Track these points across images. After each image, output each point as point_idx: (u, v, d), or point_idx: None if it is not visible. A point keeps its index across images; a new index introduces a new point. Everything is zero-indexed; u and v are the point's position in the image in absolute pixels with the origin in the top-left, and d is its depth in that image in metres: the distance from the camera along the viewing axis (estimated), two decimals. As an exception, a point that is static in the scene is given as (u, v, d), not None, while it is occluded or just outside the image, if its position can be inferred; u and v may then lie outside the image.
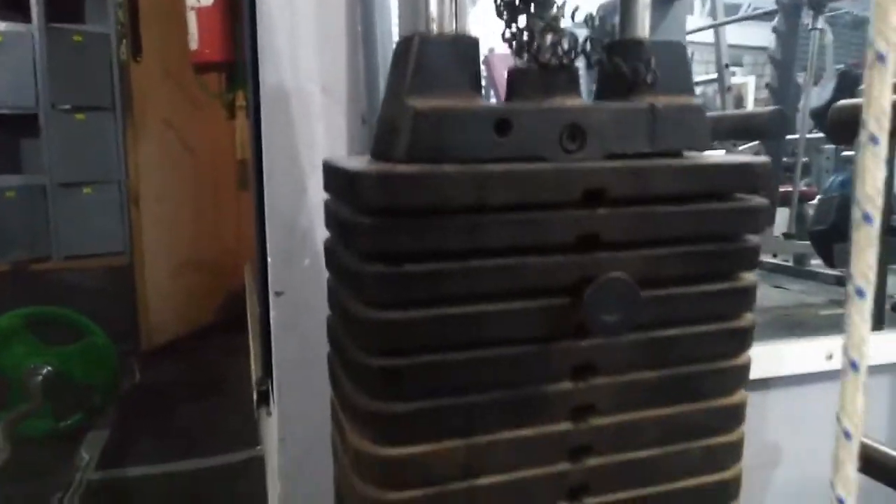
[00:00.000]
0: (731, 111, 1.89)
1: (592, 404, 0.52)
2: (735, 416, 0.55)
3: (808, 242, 3.01)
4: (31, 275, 5.37)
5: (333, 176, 0.52)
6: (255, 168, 1.03)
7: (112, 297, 4.41)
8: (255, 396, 1.12)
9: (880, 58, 0.33)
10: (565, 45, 0.52)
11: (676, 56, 0.55)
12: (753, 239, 0.52)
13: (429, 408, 0.48)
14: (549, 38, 0.53)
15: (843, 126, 1.11)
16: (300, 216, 1.01)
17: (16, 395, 1.98)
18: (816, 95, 2.14)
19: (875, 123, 0.33)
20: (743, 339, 0.54)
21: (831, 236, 1.91)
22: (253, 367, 1.24)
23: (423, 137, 0.47)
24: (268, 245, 1.01)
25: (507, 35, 0.54)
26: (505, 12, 0.52)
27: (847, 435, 0.39)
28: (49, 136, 5.26)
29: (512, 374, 0.50)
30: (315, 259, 1.02)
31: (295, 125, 0.99)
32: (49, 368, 2.00)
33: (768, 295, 2.80)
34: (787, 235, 3.26)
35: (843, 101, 1.05)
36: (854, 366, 0.38)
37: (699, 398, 0.53)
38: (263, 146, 0.98)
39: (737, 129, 1.95)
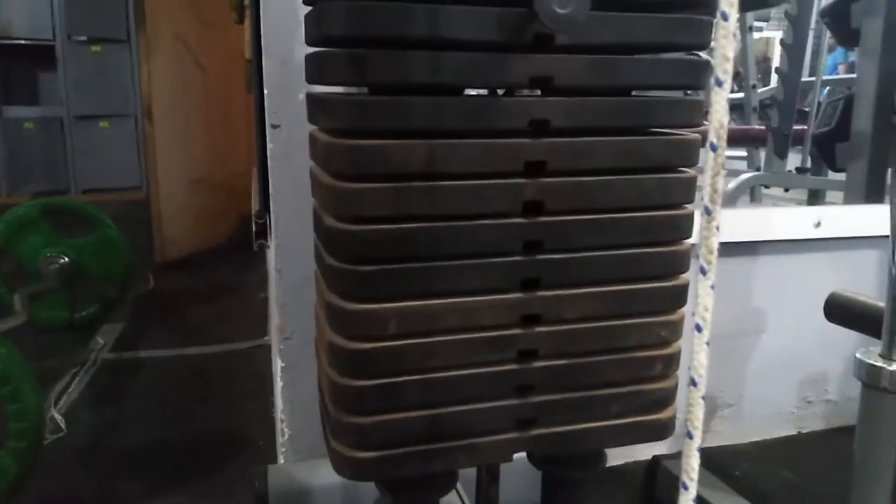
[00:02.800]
0: None
1: (548, 119, 0.55)
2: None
3: (822, 178, 3.00)
4: (50, 207, 5.49)
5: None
6: (253, 4, 1.05)
7: (131, 225, 4.50)
8: (253, 229, 1.16)
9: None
10: None
11: None
12: None
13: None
14: None
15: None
16: (294, 51, 1.04)
17: (32, 283, 2.05)
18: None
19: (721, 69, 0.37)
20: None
21: (835, 136, 1.91)
22: (252, 201, 1.29)
23: None
24: (264, 78, 1.05)
25: None
26: None
27: (699, 328, 0.43)
28: (66, 67, 5.33)
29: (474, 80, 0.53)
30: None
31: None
32: (65, 259, 2.06)
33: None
34: (799, 170, 3.25)
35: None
36: (703, 271, 0.43)
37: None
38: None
39: None
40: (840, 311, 0.78)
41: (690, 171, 0.60)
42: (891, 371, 0.65)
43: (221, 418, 1.62)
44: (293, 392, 1.13)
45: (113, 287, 2.23)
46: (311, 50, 0.60)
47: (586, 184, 0.56)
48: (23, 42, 5.26)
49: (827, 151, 1.95)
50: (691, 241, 0.60)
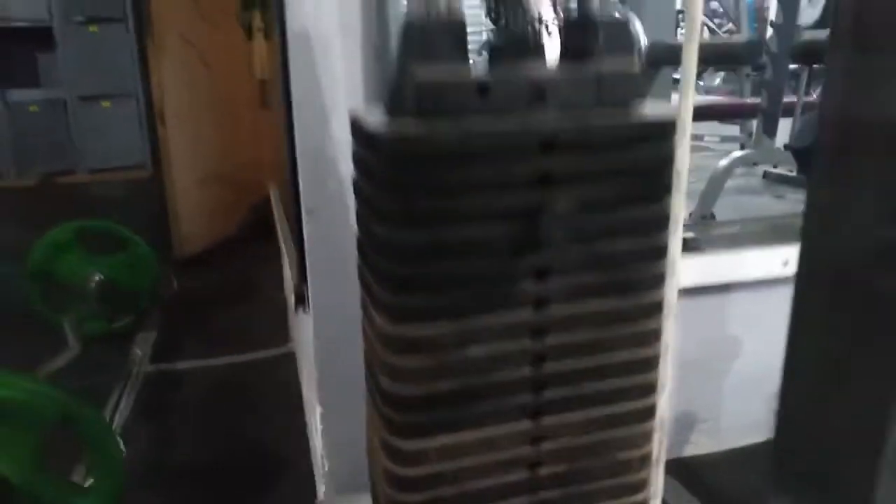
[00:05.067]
0: (710, 41, 1.98)
1: (549, 297, 0.71)
2: (654, 309, 0.74)
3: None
4: (58, 188, 5.61)
5: (359, 130, 0.69)
6: (285, 103, 1.19)
7: (143, 211, 4.64)
8: (293, 298, 1.33)
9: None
10: (533, 21, 0.68)
11: (622, 29, 0.70)
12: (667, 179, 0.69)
13: (430, 299, 0.67)
14: (520, 14, 0.68)
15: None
16: (326, 146, 1.18)
17: (72, 300, 2.23)
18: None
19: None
20: (659, 253, 0.72)
21: (812, 153, 2.04)
22: (289, 273, 1.45)
23: (424, 99, 0.64)
24: (299, 171, 1.19)
25: (488, 11, 0.69)
26: (488, -2, 0.68)
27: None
28: (65, 48, 5.36)
29: (491, 274, 0.69)
30: (339, 182, 1.20)
31: (317, 65, 1.14)
32: (100, 275, 2.23)
33: (767, 205, 2.95)
34: (787, 147, 3.37)
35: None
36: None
37: (628, 293, 0.72)
38: (292, 85, 1.14)
39: (716, 57, 2.05)
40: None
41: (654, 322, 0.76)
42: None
43: (261, 433, 1.82)
44: (332, 433, 1.32)
45: (144, 298, 2.40)
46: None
47: (581, 346, 0.73)
48: (21, 25, 5.27)
49: (805, 164, 2.09)
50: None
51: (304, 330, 1.38)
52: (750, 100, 4.00)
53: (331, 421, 1.32)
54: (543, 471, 0.77)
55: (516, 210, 0.66)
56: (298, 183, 1.19)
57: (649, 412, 0.79)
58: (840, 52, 0.84)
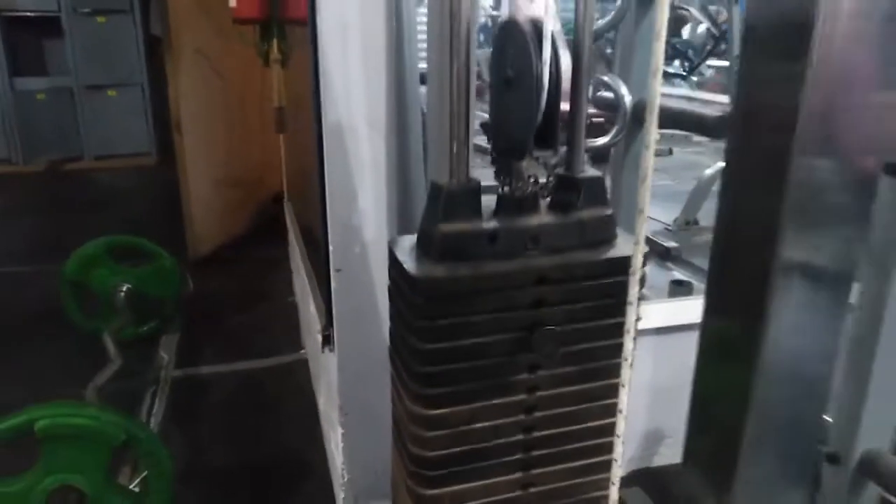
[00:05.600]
0: (689, 110, 2.18)
1: (538, 385, 0.93)
2: (614, 389, 0.96)
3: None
4: (65, 174, 5.76)
5: (395, 262, 0.90)
6: (319, 183, 1.39)
7: (153, 203, 4.82)
8: (320, 339, 1.55)
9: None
10: (533, 182, 0.89)
11: (599, 184, 0.92)
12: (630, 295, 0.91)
13: (448, 390, 0.89)
14: (524, 176, 0.89)
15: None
16: (352, 217, 1.39)
17: (104, 309, 2.44)
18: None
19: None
20: (619, 349, 0.94)
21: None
22: (316, 316, 1.67)
23: (447, 247, 0.85)
24: (329, 237, 1.40)
25: (497, 173, 0.90)
26: (498, 163, 0.89)
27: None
28: (72, 38, 5.48)
29: (496, 371, 0.91)
30: (363, 246, 1.41)
31: (348, 152, 1.35)
32: (129, 286, 2.44)
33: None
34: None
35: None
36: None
37: (596, 380, 0.95)
38: (326, 169, 1.35)
39: (689, 125, 2.26)
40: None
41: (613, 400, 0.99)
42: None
43: (282, 438, 2.06)
44: (350, 450, 1.55)
45: (167, 306, 2.62)
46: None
47: (562, 417, 0.96)
48: (29, 14, 5.37)
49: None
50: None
51: (329, 363, 1.60)
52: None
53: (349, 440, 1.56)
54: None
55: (516, 326, 0.89)
56: (329, 246, 1.41)
57: (609, 464, 1.03)
58: (745, 53, 1.01)
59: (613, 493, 1.01)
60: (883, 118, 0.93)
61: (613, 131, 1.89)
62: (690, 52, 5.10)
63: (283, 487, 1.84)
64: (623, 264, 0.90)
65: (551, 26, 0.79)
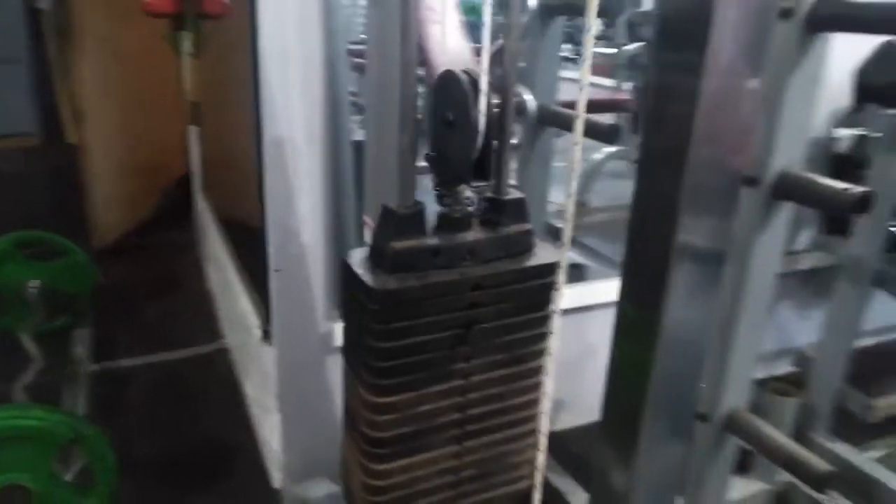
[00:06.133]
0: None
1: (472, 371, 1.11)
2: (536, 371, 1.16)
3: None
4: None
5: (352, 275, 1.04)
6: (259, 189, 1.49)
7: (45, 189, 4.57)
8: (257, 333, 1.66)
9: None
10: (468, 205, 1.06)
11: (521, 205, 1.10)
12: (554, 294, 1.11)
13: (398, 380, 1.05)
14: (461, 201, 1.06)
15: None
16: (290, 221, 1.50)
17: (15, 307, 2.40)
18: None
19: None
20: (541, 338, 1.14)
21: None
22: (249, 310, 1.77)
23: (398, 261, 1.01)
24: (269, 239, 1.51)
25: (440, 196, 1.06)
26: (439, 189, 1.05)
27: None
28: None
29: (438, 362, 1.08)
30: (300, 248, 1.53)
31: (287, 163, 1.46)
32: (40, 282, 2.40)
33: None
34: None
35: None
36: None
37: (521, 364, 1.14)
38: (266, 177, 1.45)
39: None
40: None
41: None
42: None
43: (209, 426, 2.14)
44: (288, 434, 1.68)
45: (81, 300, 2.60)
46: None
47: (492, 397, 1.15)
48: None
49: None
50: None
51: (265, 355, 1.71)
52: (625, 96, 4.49)
53: (287, 425, 1.69)
54: (465, 473, 1.19)
55: (455, 325, 1.06)
56: (268, 248, 1.51)
57: (533, 432, 1.23)
58: (656, 44, 1.10)
59: (540, 458, 1.21)
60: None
61: (521, 133, 2.10)
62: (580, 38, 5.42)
63: (217, 471, 1.94)
64: (541, 270, 1.10)
65: (486, 79, 0.95)
